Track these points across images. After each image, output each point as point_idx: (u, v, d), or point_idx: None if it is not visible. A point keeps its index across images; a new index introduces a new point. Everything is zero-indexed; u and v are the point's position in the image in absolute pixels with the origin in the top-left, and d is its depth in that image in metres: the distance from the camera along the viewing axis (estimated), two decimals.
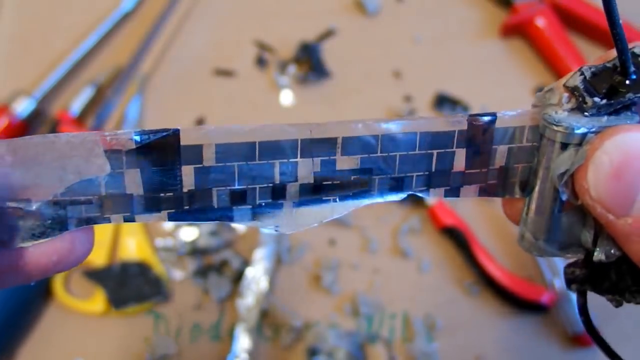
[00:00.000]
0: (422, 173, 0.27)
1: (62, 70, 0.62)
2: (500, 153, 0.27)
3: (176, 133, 0.24)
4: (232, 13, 0.66)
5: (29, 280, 0.25)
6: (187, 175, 0.25)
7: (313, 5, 0.65)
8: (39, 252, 0.24)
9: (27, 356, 0.53)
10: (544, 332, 0.53)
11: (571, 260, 0.28)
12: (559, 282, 0.53)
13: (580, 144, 0.25)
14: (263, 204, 0.26)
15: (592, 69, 0.25)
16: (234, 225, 0.57)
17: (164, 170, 0.24)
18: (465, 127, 0.27)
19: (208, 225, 0.56)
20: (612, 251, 0.25)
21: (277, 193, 0.26)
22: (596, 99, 0.25)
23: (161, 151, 0.24)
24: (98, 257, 0.55)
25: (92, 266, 0.55)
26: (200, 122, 0.61)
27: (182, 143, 0.24)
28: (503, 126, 0.27)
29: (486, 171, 0.28)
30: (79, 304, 0.54)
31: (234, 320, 0.53)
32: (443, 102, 0.61)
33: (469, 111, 0.61)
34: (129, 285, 0.54)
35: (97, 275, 0.54)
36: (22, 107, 0.59)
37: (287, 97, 0.62)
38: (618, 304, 0.28)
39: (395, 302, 0.54)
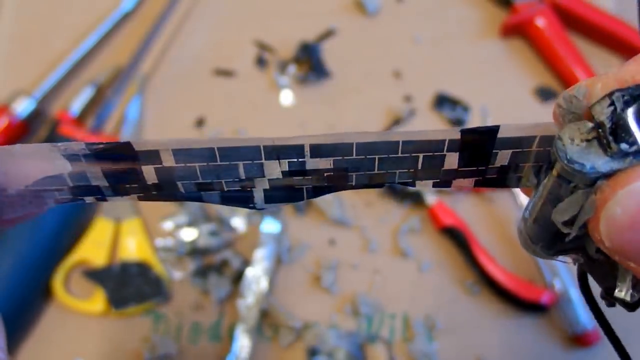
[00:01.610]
0: (405, 170, 0.25)
1: (62, 70, 0.62)
2: (503, 156, 0.24)
3: (127, 144, 0.24)
4: (232, 13, 0.66)
5: None
6: (149, 173, 0.25)
7: (313, 5, 0.65)
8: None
9: (27, 356, 0.53)
10: (544, 332, 0.53)
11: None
12: (559, 282, 0.53)
13: (591, 185, 0.21)
14: (231, 190, 0.26)
15: (626, 97, 0.21)
16: (234, 225, 0.57)
17: (124, 169, 0.25)
18: (457, 136, 0.24)
19: (208, 225, 0.56)
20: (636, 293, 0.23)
21: (246, 185, 0.25)
22: (624, 147, 0.20)
23: (118, 155, 0.24)
24: (98, 257, 0.55)
25: (92, 266, 0.55)
26: (200, 122, 0.61)
27: (137, 149, 0.24)
28: (506, 136, 0.24)
29: (484, 169, 0.25)
30: (79, 304, 0.54)
31: (234, 320, 0.53)
32: (443, 102, 0.61)
33: (469, 111, 0.61)
34: (129, 285, 0.54)
35: (97, 275, 0.54)
36: (22, 107, 0.59)
37: (287, 97, 0.62)
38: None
39: (395, 302, 0.54)
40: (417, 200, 0.57)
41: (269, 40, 0.64)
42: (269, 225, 0.55)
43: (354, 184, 0.25)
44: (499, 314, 0.54)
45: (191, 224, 0.57)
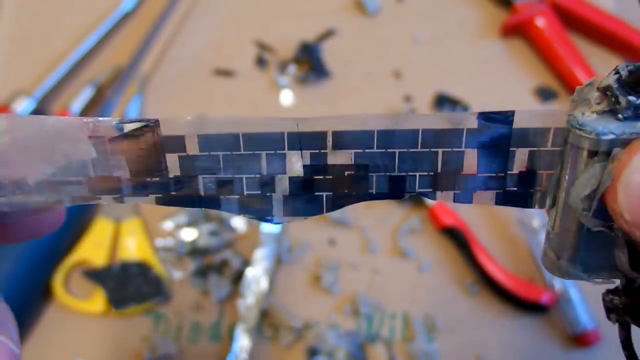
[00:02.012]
0: (426, 173, 0.24)
1: (62, 70, 0.62)
2: (520, 157, 0.24)
3: (156, 123, 0.24)
4: (232, 13, 0.66)
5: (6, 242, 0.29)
6: (172, 162, 0.25)
7: (313, 5, 0.65)
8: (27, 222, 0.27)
9: (27, 356, 0.53)
10: (544, 332, 0.53)
11: (611, 286, 0.25)
12: (559, 282, 0.53)
13: (609, 154, 0.21)
14: (251, 194, 0.25)
15: (630, 67, 0.22)
16: (234, 225, 0.57)
17: (148, 157, 0.25)
18: (475, 125, 0.24)
19: (208, 225, 0.56)
20: None
21: (266, 185, 0.25)
22: (631, 98, 0.21)
23: (143, 140, 0.24)
24: (98, 257, 0.55)
25: (92, 266, 0.55)
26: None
27: (162, 134, 0.24)
28: (522, 127, 0.24)
29: (504, 176, 0.24)
30: (79, 304, 0.54)
31: (234, 320, 0.53)
32: (443, 102, 0.61)
33: (469, 111, 0.61)
34: (129, 285, 0.54)
35: (97, 275, 0.54)
36: (22, 107, 0.59)
37: (287, 97, 0.62)
38: None
39: (395, 302, 0.54)
40: (417, 200, 0.57)
41: (269, 40, 0.64)
42: (269, 225, 0.55)
43: (374, 191, 0.25)
44: (499, 314, 0.54)
45: (191, 224, 0.57)
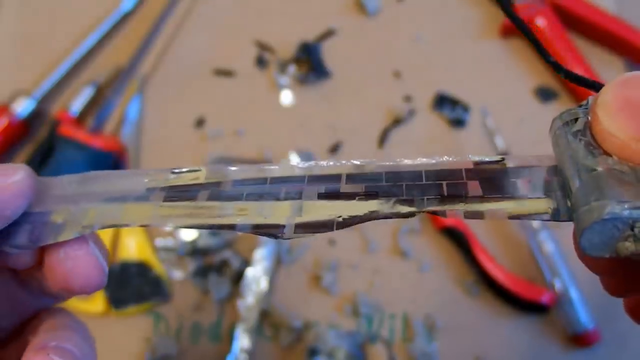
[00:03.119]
0: (433, 197, 0.25)
1: (62, 70, 0.62)
2: (522, 184, 0.25)
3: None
4: (232, 13, 0.66)
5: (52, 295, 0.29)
6: (203, 195, 0.27)
7: (313, 5, 0.65)
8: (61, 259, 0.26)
9: None
10: (544, 332, 0.53)
11: None
12: (559, 282, 0.53)
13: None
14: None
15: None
16: None
17: (184, 192, 0.27)
18: (471, 166, 0.26)
19: None
20: None
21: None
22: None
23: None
24: None
25: None
26: (200, 122, 0.61)
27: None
28: (516, 166, 0.25)
29: (510, 197, 0.25)
30: (79, 304, 0.54)
31: (234, 320, 0.53)
32: (443, 102, 0.61)
33: (469, 111, 0.61)
34: (129, 285, 0.54)
35: None
36: (22, 107, 0.59)
37: (287, 97, 0.62)
38: None
39: (395, 302, 0.54)
40: None
41: (269, 40, 0.64)
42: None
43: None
44: (499, 314, 0.54)
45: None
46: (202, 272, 0.55)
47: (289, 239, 0.26)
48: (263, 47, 0.64)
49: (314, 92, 0.62)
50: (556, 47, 0.61)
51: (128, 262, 0.55)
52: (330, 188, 0.27)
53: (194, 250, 0.56)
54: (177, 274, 0.55)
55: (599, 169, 0.22)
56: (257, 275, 0.54)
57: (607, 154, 0.23)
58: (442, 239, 0.56)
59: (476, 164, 0.26)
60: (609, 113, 0.23)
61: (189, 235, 0.56)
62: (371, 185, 0.26)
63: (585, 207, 0.22)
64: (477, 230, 0.56)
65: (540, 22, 0.61)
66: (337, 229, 0.26)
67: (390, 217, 0.25)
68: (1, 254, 0.26)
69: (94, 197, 0.27)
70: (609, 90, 0.23)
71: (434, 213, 0.25)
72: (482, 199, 0.25)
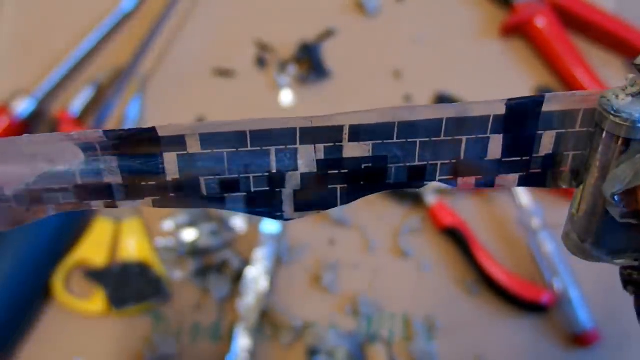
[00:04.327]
0: (447, 161, 0.23)
1: (62, 70, 0.62)
2: (547, 139, 0.23)
3: (152, 130, 0.22)
4: (232, 13, 0.66)
5: None
6: (170, 164, 0.22)
7: (313, 5, 0.65)
8: None
9: (27, 356, 0.53)
10: (544, 332, 0.53)
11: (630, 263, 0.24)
12: (559, 282, 0.53)
13: None
14: (258, 191, 0.23)
15: None
16: (234, 225, 0.57)
17: (143, 159, 0.22)
18: (503, 112, 0.23)
19: (208, 225, 0.56)
20: None
21: (275, 182, 0.23)
22: None
23: (138, 142, 0.22)
24: (98, 257, 0.55)
25: (92, 266, 0.55)
26: (200, 121, 0.61)
27: (160, 134, 0.22)
28: (551, 110, 0.23)
29: (528, 159, 0.23)
30: (79, 304, 0.54)
31: (234, 320, 0.53)
32: (443, 102, 0.61)
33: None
34: (129, 285, 0.54)
35: (97, 275, 0.54)
36: (22, 107, 0.59)
37: (287, 97, 0.62)
38: None
39: (395, 302, 0.54)
40: (417, 200, 0.57)
41: (269, 40, 0.64)
42: (269, 225, 0.55)
43: (392, 181, 0.23)
44: (499, 314, 0.54)
45: (191, 224, 0.57)
46: (202, 272, 0.55)
47: (289, 219, 0.24)
48: (263, 47, 0.64)
49: (314, 92, 0.62)
50: (556, 47, 0.61)
51: (128, 262, 0.55)
52: (330, 151, 0.23)
53: (194, 250, 0.56)
54: (177, 274, 0.55)
55: (619, 220, 0.22)
56: (257, 275, 0.54)
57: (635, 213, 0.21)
58: (442, 239, 0.56)
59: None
60: None
61: (189, 235, 0.56)
62: (379, 144, 0.23)
63: (579, 243, 0.23)
64: (477, 230, 0.56)
65: (540, 22, 0.61)
66: (341, 205, 0.24)
67: (399, 188, 0.23)
68: None
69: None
70: None
71: (445, 182, 0.23)
72: (500, 163, 0.23)
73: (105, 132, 0.21)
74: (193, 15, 0.66)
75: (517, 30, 0.63)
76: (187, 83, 0.63)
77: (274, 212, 0.24)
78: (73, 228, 0.56)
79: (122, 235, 0.56)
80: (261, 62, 0.63)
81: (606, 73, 0.60)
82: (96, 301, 0.54)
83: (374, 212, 0.57)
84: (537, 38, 0.62)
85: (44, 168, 0.22)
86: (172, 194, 0.23)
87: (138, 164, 0.22)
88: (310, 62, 0.62)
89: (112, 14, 0.65)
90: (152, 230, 0.57)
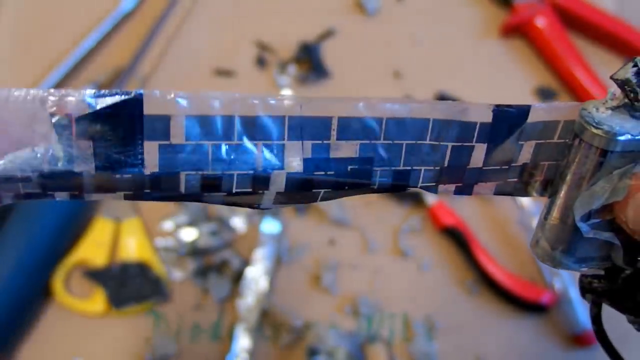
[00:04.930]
0: (431, 167, 0.23)
1: (62, 70, 0.62)
2: (527, 149, 0.23)
3: (139, 98, 0.20)
4: (232, 13, 0.66)
5: None
6: (150, 154, 0.21)
7: (313, 5, 0.65)
8: None
9: (27, 356, 0.53)
10: (544, 332, 0.53)
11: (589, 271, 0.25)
12: (559, 282, 0.53)
13: (623, 153, 0.21)
14: (240, 193, 0.22)
15: None
16: (234, 225, 0.57)
17: (122, 146, 0.20)
18: (490, 119, 0.23)
19: (208, 225, 0.56)
20: None
21: (259, 182, 0.22)
22: None
23: (119, 121, 0.20)
24: (98, 257, 0.55)
25: (92, 266, 0.55)
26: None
27: (145, 112, 0.20)
28: (534, 121, 0.23)
29: (507, 168, 0.24)
30: (79, 304, 0.54)
31: (234, 320, 0.53)
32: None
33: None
34: (129, 285, 0.54)
35: (97, 275, 0.54)
36: None
37: None
38: None
39: (395, 302, 0.54)
40: (417, 200, 0.57)
41: (269, 40, 0.64)
42: (269, 225, 0.55)
43: (376, 185, 0.24)
44: (499, 314, 0.54)
45: (191, 224, 0.57)
46: (202, 272, 0.55)
47: (266, 209, 0.23)
48: (263, 47, 0.64)
49: (314, 92, 0.62)
50: (556, 47, 0.61)
51: (128, 262, 0.55)
52: (317, 149, 0.22)
53: (194, 250, 0.56)
54: (177, 274, 0.55)
55: (586, 235, 0.23)
56: (257, 275, 0.54)
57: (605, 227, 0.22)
58: (442, 239, 0.56)
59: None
60: (638, 217, 0.21)
61: (189, 235, 0.56)
62: (366, 144, 0.22)
63: (548, 250, 0.24)
64: (477, 230, 0.56)
65: (540, 22, 0.61)
66: (320, 202, 0.24)
67: (381, 192, 0.24)
68: None
69: None
70: None
71: (426, 190, 0.24)
72: (480, 172, 0.23)
73: (92, 95, 0.19)
74: (193, 15, 0.66)
75: (517, 30, 0.63)
76: (187, 83, 0.63)
77: (252, 203, 0.23)
78: (73, 228, 0.56)
79: (122, 235, 0.56)
80: (261, 62, 0.63)
81: (606, 73, 0.60)
82: (96, 301, 0.54)
83: (374, 212, 0.57)
84: (537, 38, 0.62)
85: (6, 150, 0.19)
86: (147, 190, 0.22)
87: (115, 152, 0.20)
88: (310, 62, 0.62)
89: (112, 14, 0.65)
90: (152, 230, 0.57)
